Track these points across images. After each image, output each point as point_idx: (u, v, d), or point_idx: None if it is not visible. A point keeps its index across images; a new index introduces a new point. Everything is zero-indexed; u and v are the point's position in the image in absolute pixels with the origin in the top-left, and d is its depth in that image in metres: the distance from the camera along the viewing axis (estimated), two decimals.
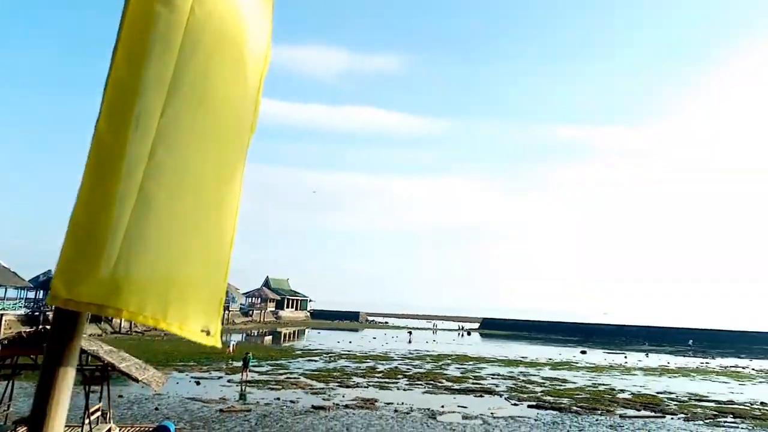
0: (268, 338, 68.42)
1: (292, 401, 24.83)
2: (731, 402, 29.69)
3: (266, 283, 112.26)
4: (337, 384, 30.36)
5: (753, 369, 50.14)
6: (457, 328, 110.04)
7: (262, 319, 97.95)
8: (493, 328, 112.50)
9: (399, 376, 34.48)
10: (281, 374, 33.42)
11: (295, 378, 32.01)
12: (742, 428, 22.93)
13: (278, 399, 25.29)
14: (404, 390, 29.61)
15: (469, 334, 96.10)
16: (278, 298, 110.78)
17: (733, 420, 24.58)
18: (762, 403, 29.53)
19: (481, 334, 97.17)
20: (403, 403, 25.28)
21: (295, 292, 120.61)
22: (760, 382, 40.01)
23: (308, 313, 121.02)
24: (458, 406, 25.32)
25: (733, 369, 49.52)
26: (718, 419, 24.64)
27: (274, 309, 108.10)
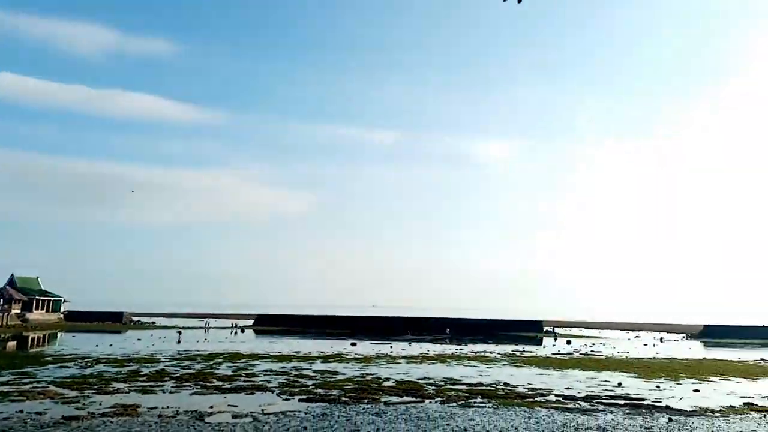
0: (12, 344, 60.65)
1: (38, 413, 22.13)
2: (480, 384, 32.88)
3: (11, 282, 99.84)
4: (93, 391, 27.76)
5: (498, 353, 56.23)
6: (231, 325, 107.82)
7: (4, 323, 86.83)
8: (267, 324, 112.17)
9: (165, 379, 32.63)
10: (26, 383, 29.71)
11: (42, 387, 28.63)
12: (488, 407, 25.42)
13: (21, 412, 22.38)
14: (171, 393, 28.06)
15: (242, 331, 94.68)
16: (25, 298, 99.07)
17: (481, 400, 27.18)
18: (505, 384, 33.15)
19: (256, 331, 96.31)
20: (168, 407, 23.91)
21: (47, 291, 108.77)
22: (504, 365, 44.96)
23: (62, 315, 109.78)
24: (228, 405, 24.63)
25: (482, 354, 55.03)
26: (470, 400, 27.08)
27: (20, 311, 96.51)
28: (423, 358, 48.44)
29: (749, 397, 29.77)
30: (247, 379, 33.27)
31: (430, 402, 26.46)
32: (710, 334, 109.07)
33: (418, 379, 34.48)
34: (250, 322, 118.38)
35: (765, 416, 24.60)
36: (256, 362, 42.59)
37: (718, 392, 31.74)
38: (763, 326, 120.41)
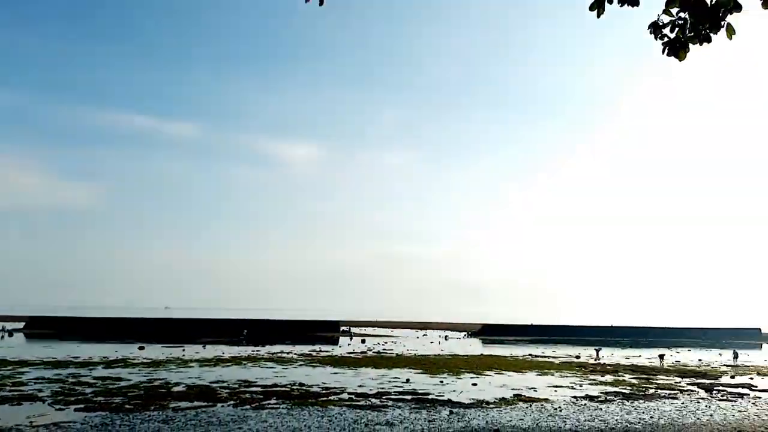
0: None
1: None
2: (276, 385, 32.68)
3: None
4: None
5: (295, 354, 56.40)
6: None
7: None
8: (42, 327, 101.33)
9: None
10: None
11: None
12: (282, 408, 25.32)
13: None
14: None
15: (10, 335, 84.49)
16: None
17: (276, 401, 26.99)
18: (301, 384, 33.30)
19: (27, 335, 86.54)
20: None
21: None
22: (300, 365, 45.16)
23: None
24: None
25: (279, 355, 54.78)
26: (264, 402, 26.76)
27: None
28: (217, 361, 46.98)
29: (518, 389, 33.03)
30: (13, 388, 29.70)
31: (223, 406, 25.69)
32: (488, 332, 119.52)
33: (211, 382, 33.35)
34: (21, 324, 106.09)
35: (530, 406, 27.42)
36: (26, 369, 38.20)
37: (493, 385, 34.81)
38: (531, 325, 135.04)
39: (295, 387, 32.12)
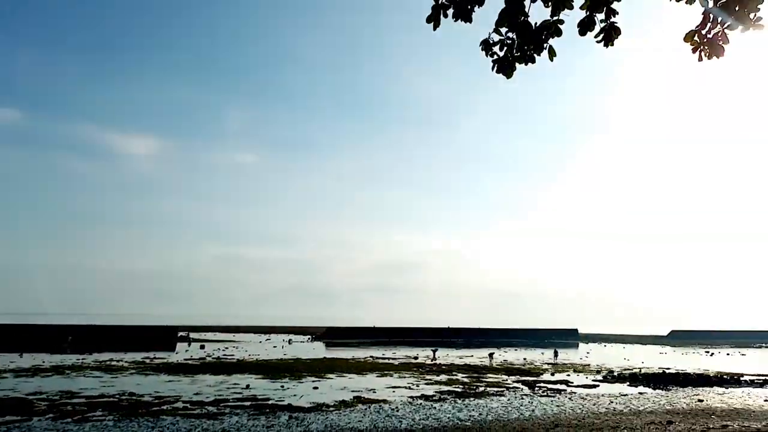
0: None
1: None
2: (103, 395, 30.47)
3: None
4: None
5: (126, 362, 53.03)
6: None
7: None
8: None
9: None
10: None
11: None
12: (108, 420, 23.65)
13: None
14: None
15: None
16: None
17: (102, 413, 25.16)
18: (131, 394, 31.34)
19: None
20: None
21: None
22: (132, 373, 42.53)
23: None
24: None
25: (107, 363, 51.20)
26: (88, 414, 24.84)
27: None
28: (36, 371, 42.93)
29: (359, 391, 33.53)
30: None
31: (40, 419, 23.51)
32: (332, 335, 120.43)
33: (28, 394, 30.40)
34: None
35: (369, 407, 27.93)
36: None
37: (334, 388, 35.04)
38: (374, 327, 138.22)
39: (124, 397, 30.17)
